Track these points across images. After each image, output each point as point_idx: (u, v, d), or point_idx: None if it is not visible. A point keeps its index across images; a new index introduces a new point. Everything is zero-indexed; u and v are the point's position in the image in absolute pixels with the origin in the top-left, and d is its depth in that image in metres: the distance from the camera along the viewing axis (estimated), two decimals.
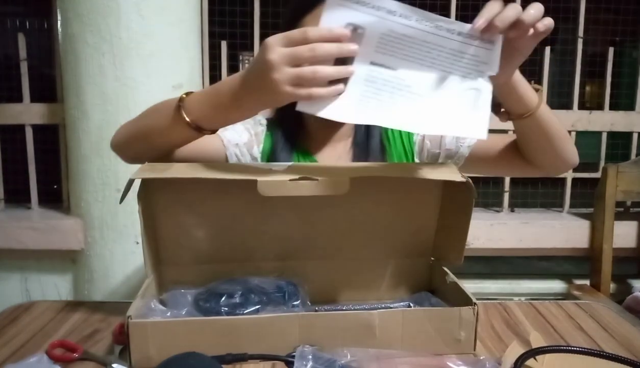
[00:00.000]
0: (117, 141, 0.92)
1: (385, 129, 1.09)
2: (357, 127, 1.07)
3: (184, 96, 0.79)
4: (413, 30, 0.67)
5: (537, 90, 0.84)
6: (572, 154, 0.93)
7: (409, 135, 1.09)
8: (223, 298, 0.77)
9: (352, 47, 0.66)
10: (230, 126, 1.05)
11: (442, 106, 0.70)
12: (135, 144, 0.88)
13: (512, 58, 0.73)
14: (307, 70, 0.65)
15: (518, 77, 0.80)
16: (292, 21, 1.00)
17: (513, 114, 0.85)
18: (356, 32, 0.66)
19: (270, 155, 1.05)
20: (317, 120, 0.98)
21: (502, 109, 0.86)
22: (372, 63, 0.68)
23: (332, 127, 1.05)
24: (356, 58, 0.68)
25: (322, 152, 1.07)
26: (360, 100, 0.69)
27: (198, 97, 0.78)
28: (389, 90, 0.69)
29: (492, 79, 0.71)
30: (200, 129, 0.78)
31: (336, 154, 1.07)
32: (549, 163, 0.94)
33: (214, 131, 0.81)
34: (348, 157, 1.06)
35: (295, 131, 1.05)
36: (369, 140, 1.05)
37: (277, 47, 0.65)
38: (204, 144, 0.91)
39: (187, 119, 0.77)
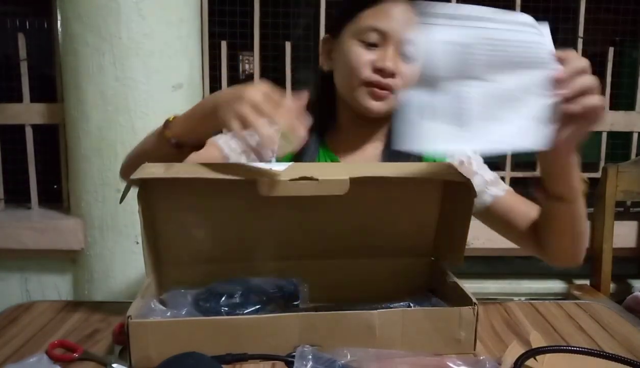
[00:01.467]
0: (122, 166, 0.97)
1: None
2: (392, 133, 1.02)
3: (171, 118, 0.86)
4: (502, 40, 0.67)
5: (584, 181, 0.84)
6: (582, 254, 0.91)
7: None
8: (223, 298, 0.77)
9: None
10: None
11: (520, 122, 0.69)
12: (134, 167, 0.87)
13: (572, 131, 0.71)
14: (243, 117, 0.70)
15: (573, 160, 0.78)
16: (350, 13, 0.97)
17: (552, 193, 0.82)
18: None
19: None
20: (350, 115, 0.98)
21: (542, 185, 0.84)
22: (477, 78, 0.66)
23: (364, 126, 1.02)
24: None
25: (348, 154, 1.03)
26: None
27: (180, 120, 0.85)
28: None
29: (550, 152, 0.73)
30: (179, 146, 0.84)
31: (363, 158, 1.03)
32: (560, 254, 0.91)
33: (195, 147, 0.86)
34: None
35: (324, 122, 1.02)
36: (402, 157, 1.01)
37: (229, 93, 0.74)
38: (202, 157, 0.90)
39: (168, 135, 0.83)
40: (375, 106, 0.95)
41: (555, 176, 0.80)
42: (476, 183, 0.97)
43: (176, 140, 0.83)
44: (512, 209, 0.97)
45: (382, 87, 0.94)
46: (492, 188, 0.99)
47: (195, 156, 0.87)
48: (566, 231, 0.86)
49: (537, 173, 1.95)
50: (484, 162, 1.06)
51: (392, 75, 0.93)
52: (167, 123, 0.85)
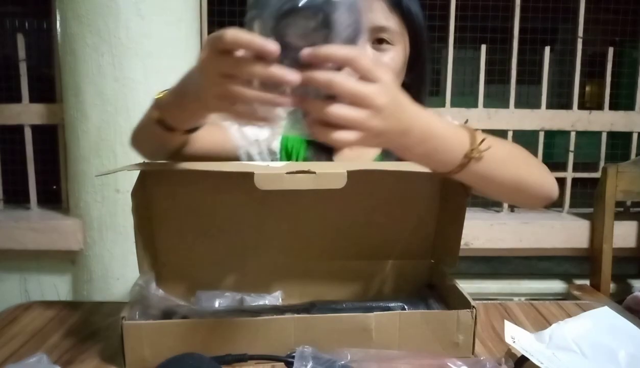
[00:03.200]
0: (131, 136, 0.87)
1: None
2: None
3: (164, 91, 0.75)
4: None
5: (467, 158, 0.65)
6: (545, 194, 0.78)
7: None
8: None
9: (286, 76, 0.54)
10: None
11: None
12: (137, 142, 0.86)
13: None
14: (230, 87, 0.57)
15: (417, 153, 0.64)
16: None
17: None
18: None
19: (286, 147, 1.02)
20: None
21: None
22: None
23: None
24: None
25: (343, 153, 1.02)
26: None
27: (168, 94, 0.74)
28: None
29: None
30: (170, 128, 0.74)
31: (360, 159, 1.02)
32: (509, 201, 0.82)
33: (187, 131, 0.77)
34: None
35: None
36: None
37: (207, 47, 0.58)
38: (217, 141, 0.89)
39: (156, 115, 0.74)
40: None
41: (408, 159, 0.67)
42: None
43: (165, 119, 0.74)
44: None
45: None
46: None
47: (206, 144, 0.84)
48: (486, 189, 0.74)
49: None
50: None
51: None
52: (156, 101, 0.75)
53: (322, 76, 0.54)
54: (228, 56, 0.56)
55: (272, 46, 0.53)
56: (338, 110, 0.54)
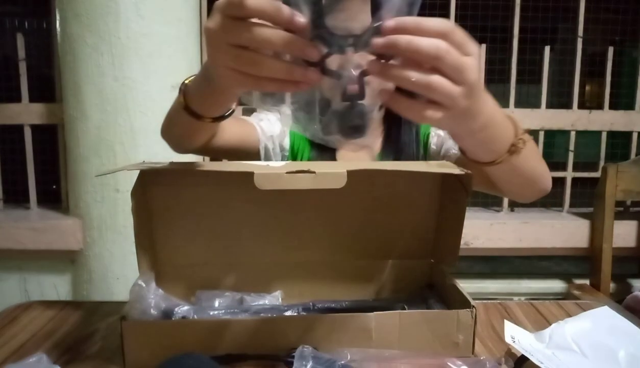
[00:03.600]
0: (161, 128, 0.85)
1: (424, 136, 1.06)
2: (387, 131, 1.03)
3: (189, 79, 0.71)
4: None
5: (514, 147, 0.68)
6: (543, 187, 0.82)
7: (427, 143, 1.06)
8: None
9: (307, 49, 0.50)
10: (265, 115, 1.04)
11: None
12: (167, 131, 0.84)
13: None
14: (246, 55, 0.51)
15: (479, 137, 0.64)
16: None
17: (470, 158, 0.72)
18: None
19: (292, 146, 1.02)
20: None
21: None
22: None
23: None
24: None
25: (346, 154, 1.04)
26: None
27: (193, 81, 0.70)
28: None
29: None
30: (197, 115, 0.70)
31: (361, 157, 1.03)
32: (516, 194, 0.85)
33: (215, 119, 0.73)
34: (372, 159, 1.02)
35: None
36: (401, 146, 1.02)
37: (218, 14, 0.51)
38: (243, 134, 0.88)
39: (183, 102, 0.70)
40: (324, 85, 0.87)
41: (457, 142, 0.70)
42: (447, 146, 1.02)
43: (191, 107, 0.70)
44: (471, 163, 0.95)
45: None
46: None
47: (232, 137, 0.81)
48: (505, 182, 0.79)
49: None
50: None
51: None
52: (184, 86, 0.70)
53: (427, 42, 0.48)
54: (243, 24, 0.49)
55: (301, 20, 0.49)
56: (440, 82, 0.50)
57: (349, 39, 0.52)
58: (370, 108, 0.59)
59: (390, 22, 0.49)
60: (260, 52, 0.51)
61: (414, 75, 0.50)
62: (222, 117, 0.73)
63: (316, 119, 0.66)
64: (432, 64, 0.50)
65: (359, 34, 0.51)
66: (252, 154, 0.98)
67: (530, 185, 0.79)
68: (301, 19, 0.49)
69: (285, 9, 0.49)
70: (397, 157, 1.04)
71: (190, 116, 0.71)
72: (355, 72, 0.55)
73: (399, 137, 1.04)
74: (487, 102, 0.61)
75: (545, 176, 0.80)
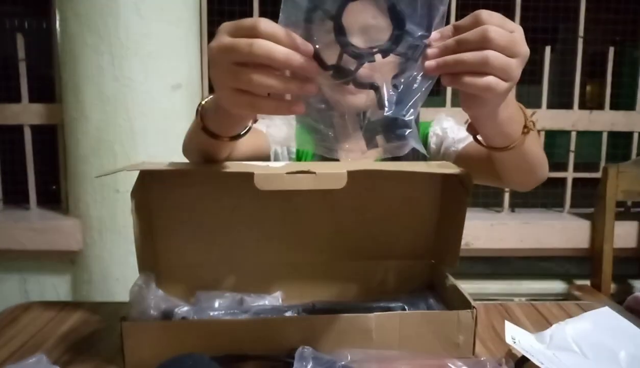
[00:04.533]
0: (183, 144, 0.86)
1: (423, 135, 1.07)
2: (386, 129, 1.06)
3: (209, 97, 0.72)
4: None
5: (527, 128, 0.71)
6: (543, 175, 0.85)
7: (426, 142, 1.08)
8: None
9: (308, 67, 0.52)
10: (271, 121, 1.05)
11: None
12: (187, 149, 0.83)
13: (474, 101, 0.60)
14: (245, 71, 0.52)
15: (501, 118, 0.67)
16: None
17: (484, 141, 0.74)
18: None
19: (298, 149, 1.04)
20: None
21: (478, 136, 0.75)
22: None
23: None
24: None
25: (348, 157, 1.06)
26: None
27: (209, 102, 0.71)
28: None
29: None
30: (215, 136, 0.70)
31: (361, 157, 1.05)
32: (519, 182, 0.87)
33: (232, 138, 0.73)
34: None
35: None
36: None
37: (224, 34, 0.54)
38: (257, 144, 0.89)
39: (201, 123, 0.71)
40: (350, 99, 0.84)
41: (480, 126, 0.71)
42: (446, 144, 1.04)
43: (208, 127, 0.70)
44: (472, 157, 0.96)
45: None
46: (460, 144, 1.01)
47: (246, 147, 0.82)
48: (513, 169, 0.82)
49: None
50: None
51: None
52: (200, 107, 0.72)
53: (472, 57, 0.53)
54: (241, 39, 0.52)
55: (309, 48, 0.52)
56: (496, 56, 0.54)
57: (374, 49, 0.54)
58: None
59: (432, 51, 0.54)
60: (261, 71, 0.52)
61: (469, 55, 0.54)
62: (239, 136, 0.73)
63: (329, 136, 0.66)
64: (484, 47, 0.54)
65: (383, 46, 0.54)
66: (264, 159, 0.98)
67: (533, 172, 0.81)
68: (310, 47, 0.52)
69: (296, 38, 0.52)
70: (398, 157, 1.04)
71: (208, 136, 0.71)
72: (387, 80, 0.57)
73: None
74: (510, 97, 0.65)
75: (544, 163, 0.82)
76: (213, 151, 0.76)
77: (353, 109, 0.65)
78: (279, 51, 0.51)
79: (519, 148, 0.71)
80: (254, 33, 0.51)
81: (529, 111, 0.71)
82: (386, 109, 0.57)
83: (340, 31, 0.53)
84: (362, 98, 0.61)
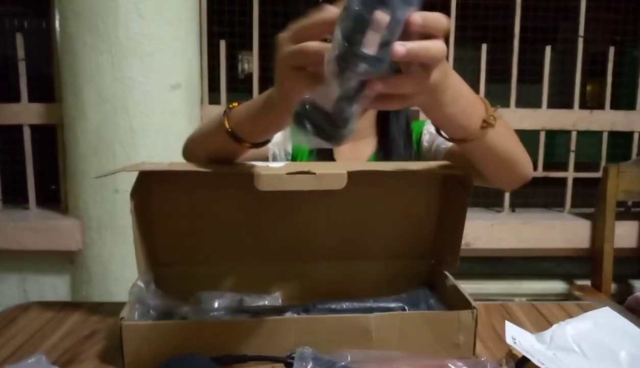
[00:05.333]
0: (184, 147, 0.89)
1: (417, 134, 1.10)
2: (381, 131, 1.09)
3: (234, 104, 0.76)
4: None
5: (486, 122, 0.69)
6: (524, 173, 0.83)
7: (420, 141, 1.10)
8: None
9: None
10: None
11: None
12: (194, 150, 0.86)
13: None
14: (310, 46, 0.57)
15: (450, 111, 0.66)
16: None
17: (447, 136, 0.74)
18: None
19: (294, 150, 1.06)
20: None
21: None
22: None
23: None
24: None
25: (341, 154, 1.08)
26: None
27: (241, 107, 0.75)
28: None
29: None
30: (239, 140, 0.74)
31: (357, 157, 1.08)
32: (499, 179, 0.86)
33: (255, 145, 0.76)
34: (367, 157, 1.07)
35: None
36: (394, 145, 1.08)
37: (286, 35, 0.60)
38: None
39: (227, 126, 0.74)
40: None
41: (431, 118, 0.70)
42: (437, 142, 1.06)
43: (235, 131, 0.74)
44: (455, 154, 0.98)
45: None
46: (450, 142, 1.01)
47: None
48: (486, 164, 0.80)
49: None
50: None
51: None
52: (229, 110, 0.75)
53: (436, 47, 0.53)
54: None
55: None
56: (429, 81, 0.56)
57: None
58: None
59: (417, 19, 0.51)
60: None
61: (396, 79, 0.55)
62: (262, 144, 0.77)
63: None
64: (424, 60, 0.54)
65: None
66: (262, 160, 0.99)
67: (508, 168, 0.80)
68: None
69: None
70: (390, 156, 1.08)
71: (232, 140, 0.74)
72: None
73: (392, 136, 1.09)
74: (453, 74, 0.64)
75: (523, 161, 0.81)
76: (228, 154, 0.78)
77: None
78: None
79: (481, 141, 0.70)
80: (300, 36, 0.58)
81: (498, 110, 0.71)
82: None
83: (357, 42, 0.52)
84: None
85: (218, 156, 0.79)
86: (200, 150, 0.84)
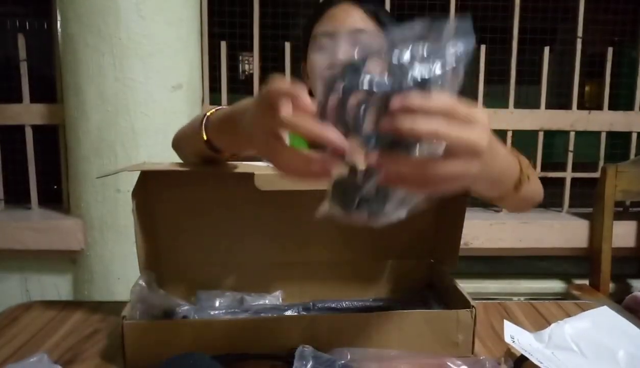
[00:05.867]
0: (173, 139, 0.88)
1: None
2: None
3: (213, 111, 0.72)
4: None
5: (520, 182, 0.69)
6: (539, 201, 0.83)
7: None
8: None
9: (327, 134, 0.48)
10: None
11: None
12: (181, 148, 0.86)
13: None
14: (278, 147, 0.54)
15: (481, 187, 0.66)
16: (309, 34, 1.05)
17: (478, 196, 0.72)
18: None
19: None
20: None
21: None
22: None
23: None
24: None
25: None
26: None
27: (216, 118, 0.71)
28: None
29: None
30: (216, 150, 0.72)
31: None
32: (512, 210, 0.86)
33: (233, 156, 0.74)
34: None
35: None
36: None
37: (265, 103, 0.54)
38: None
39: (204, 136, 0.71)
40: None
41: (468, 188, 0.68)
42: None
43: (212, 142, 0.71)
44: None
45: None
46: None
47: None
48: (509, 206, 0.82)
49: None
50: None
51: None
52: (205, 119, 0.72)
53: (426, 125, 0.46)
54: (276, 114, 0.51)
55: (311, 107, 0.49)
56: (448, 168, 0.49)
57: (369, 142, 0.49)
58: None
59: (396, 102, 0.46)
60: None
61: (413, 162, 0.49)
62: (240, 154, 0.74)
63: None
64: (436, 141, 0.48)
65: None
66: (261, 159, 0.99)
67: (528, 206, 0.81)
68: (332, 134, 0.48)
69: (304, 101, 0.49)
70: None
71: (209, 148, 0.72)
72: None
73: None
74: (499, 148, 0.61)
75: (540, 192, 0.82)
76: (212, 159, 0.77)
77: None
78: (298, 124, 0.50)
79: (512, 197, 0.70)
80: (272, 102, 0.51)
81: (525, 160, 0.70)
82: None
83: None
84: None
85: (203, 158, 0.78)
86: (186, 150, 0.84)
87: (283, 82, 0.51)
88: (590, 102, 2.15)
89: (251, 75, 1.94)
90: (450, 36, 0.49)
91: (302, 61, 1.16)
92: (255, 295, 0.85)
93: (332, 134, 0.48)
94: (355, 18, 1.01)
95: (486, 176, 0.60)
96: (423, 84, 0.46)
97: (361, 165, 0.50)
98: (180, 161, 0.85)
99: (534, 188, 0.77)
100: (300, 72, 1.89)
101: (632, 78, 1.98)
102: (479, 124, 0.49)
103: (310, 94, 1.06)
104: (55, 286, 1.83)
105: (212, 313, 0.78)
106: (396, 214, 0.54)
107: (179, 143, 0.87)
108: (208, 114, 0.72)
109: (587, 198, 1.95)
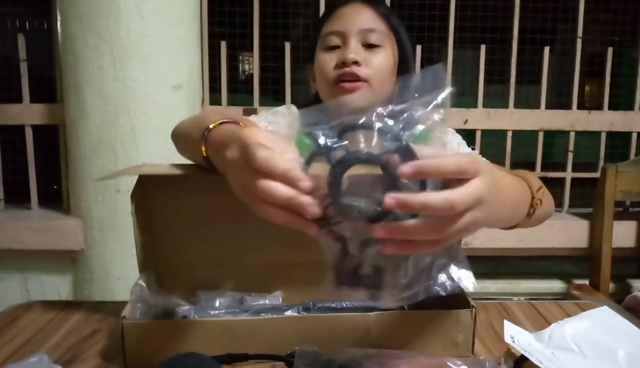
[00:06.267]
0: (173, 132, 0.89)
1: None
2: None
3: (217, 124, 0.69)
4: None
5: (533, 209, 0.72)
6: (549, 216, 0.89)
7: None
8: None
9: (310, 207, 0.52)
10: (273, 117, 1.09)
11: None
12: (179, 147, 0.86)
13: None
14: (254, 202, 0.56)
15: (494, 223, 0.66)
16: (317, 33, 1.05)
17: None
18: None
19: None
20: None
21: None
22: None
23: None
24: None
25: None
26: None
27: (216, 136, 0.67)
28: None
29: None
30: (215, 169, 0.69)
31: None
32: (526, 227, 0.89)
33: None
34: None
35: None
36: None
37: (241, 156, 0.55)
38: None
39: (204, 152, 0.69)
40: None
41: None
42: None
43: (211, 159, 0.69)
44: None
45: (349, 78, 0.97)
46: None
47: None
48: (521, 228, 0.85)
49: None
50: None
51: (355, 63, 0.97)
52: (207, 133, 0.68)
53: (418, 199, 0.47)
54: (249, 175, 0.53)
55: (307, 182, 0.51)
56: (454, 229, 0.51)
57: (362, 216, 0.51)
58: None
59: (389, 200, 0.48)
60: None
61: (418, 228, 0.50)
62: None
63: None
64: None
65: (372, 213, 0.51)
66: None
67: (539, 223, 0.87)
68: (307, 183, 0.51)
69: (292, 173, 0.51)
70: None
71: (206, 163, 0.70)
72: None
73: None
74: (508, 186, 0.63)
75: (551, 208, 0.86)
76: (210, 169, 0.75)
77: None
78: (280, 193, 0.53)
79: (526, 222, 0.75)
80: (256, 165, 0.52)
81: (536, 182, 0.72)
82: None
83: (337, 191, 0.51)
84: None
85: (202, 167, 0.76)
86: (185, 153, 0.84)
87: (270, 153, 0.51)
88: (590, 103, 2.15)
89: (251, 75, 1.94)
90: (421, 90, 0.52)
91: (307, 63, 1.13)
92: (255, 295, 0.85)
93: (306, 199, 0.51)
94: (366, 17, 1.01)
95: (495, 219, 0.61)
96: (406, 149, 0.49)
97: (350, 235, 0.54)
98: (179, 159, 0.85)
99: (547, 207, 0.80)
100: (300, 72, 1.89)
101: (632, 78, 1.99)
102: (481, 173, 0.51)
103: (317, 97, 1.06)
104: (55, 286, 1.83)
105: (212, 313, 0.78)
106: (399, 297, 0.55)
107: (178, 142, 0.87)
108: (211, 126, 0.69)
109: (587, 198, 1.95)
